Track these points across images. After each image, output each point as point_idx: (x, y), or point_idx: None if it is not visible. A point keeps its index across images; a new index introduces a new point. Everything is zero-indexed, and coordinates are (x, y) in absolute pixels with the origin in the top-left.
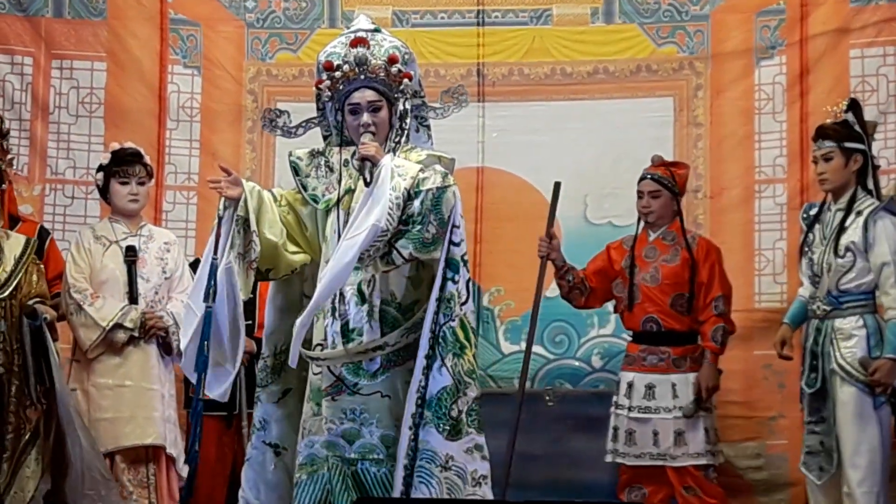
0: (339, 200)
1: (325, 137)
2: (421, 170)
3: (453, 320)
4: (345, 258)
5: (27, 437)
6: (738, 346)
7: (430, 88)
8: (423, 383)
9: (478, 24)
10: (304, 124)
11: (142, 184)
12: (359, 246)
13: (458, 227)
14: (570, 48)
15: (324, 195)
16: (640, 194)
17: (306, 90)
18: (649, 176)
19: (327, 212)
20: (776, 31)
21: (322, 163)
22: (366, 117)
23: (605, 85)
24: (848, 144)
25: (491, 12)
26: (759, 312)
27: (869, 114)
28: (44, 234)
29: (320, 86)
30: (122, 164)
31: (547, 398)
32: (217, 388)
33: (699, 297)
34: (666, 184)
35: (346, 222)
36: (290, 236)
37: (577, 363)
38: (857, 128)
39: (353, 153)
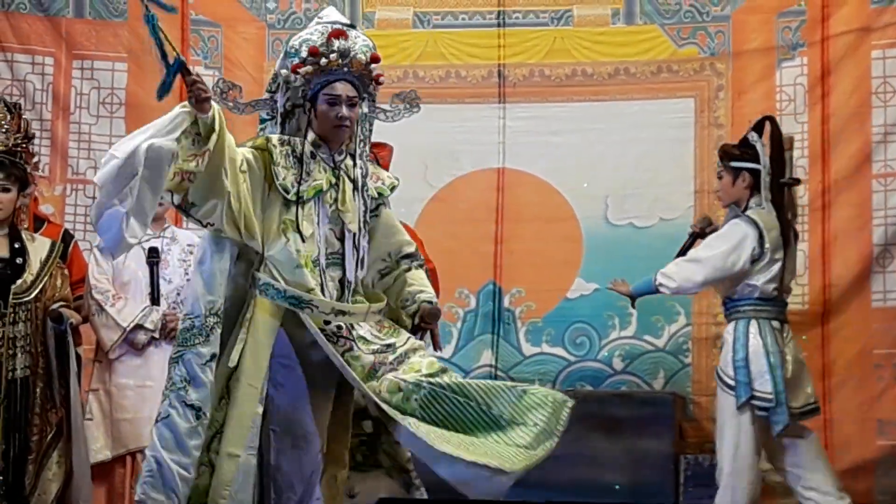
0: (316, 193)
1: (263, 121)
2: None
3: None
4: None
5: (49, 439)
6: None
7: (451, 90)
8: None
9: (499, 25)
10: (253, 104)
11: None
12: None
13: None
14: (591, 49)
15: (292, 185)
16: None
17: None
18: None
19: (293, 202)
20: (797, 32)
21: (289, 152)
22: (345, 110)
23: (626, 86)
24: (734, 164)
25: (512, 13)
26: None
27: (891, 115)
28: (68, 237)
29: (299, 70)
30: None
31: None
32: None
33: None
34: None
35: (331, 218)
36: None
37: (598, 365)
38: (758, 147)
39: (316, 143)
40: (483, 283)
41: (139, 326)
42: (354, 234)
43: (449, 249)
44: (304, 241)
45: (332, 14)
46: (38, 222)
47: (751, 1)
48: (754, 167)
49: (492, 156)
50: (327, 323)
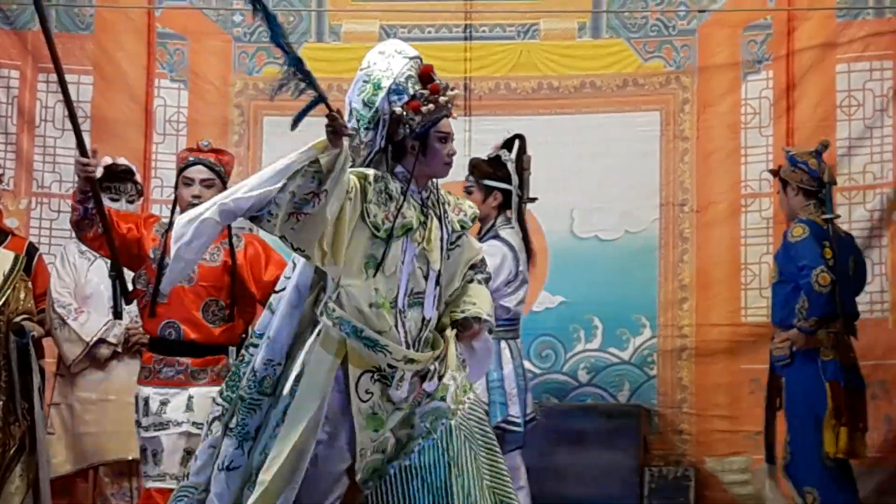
0: (406, 231)
1: (353, 161)
2: None
3: None
4: None
5: (12, 452)
6: (724, 360)
7: None
8: None
9: (465, 39)
10: (353, 133)
11: (131, 202)
12: None
13: None
14: (557, 62)
15: (383, 223)
16: (188, 181)
17: (292, 104)
18: (202, 161)
19: (381, 240)
20: (763, 46)
21: (382, 188)
22: (454, 147)
23: (591, 99)
24: (486, 182)
25: (478, 27)
26: (746, 327)
27: (855, 128)
28: (32, 250)
29: (422, 109)
30: (114, 180)
31: (533, 412)
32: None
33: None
34: (219, 172)
35: (418, 256)
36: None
37: (563, 377)
38: (509, 166)
39: (403, 179)
40: None
41: (102, 340)
42: (437, 272)
43: None
44: (385, 279)
45: (403, 45)
46: (2, 235)
47: (717, 15)
48: (506, 187)
49: (458, 169)
50: (391, 366)
